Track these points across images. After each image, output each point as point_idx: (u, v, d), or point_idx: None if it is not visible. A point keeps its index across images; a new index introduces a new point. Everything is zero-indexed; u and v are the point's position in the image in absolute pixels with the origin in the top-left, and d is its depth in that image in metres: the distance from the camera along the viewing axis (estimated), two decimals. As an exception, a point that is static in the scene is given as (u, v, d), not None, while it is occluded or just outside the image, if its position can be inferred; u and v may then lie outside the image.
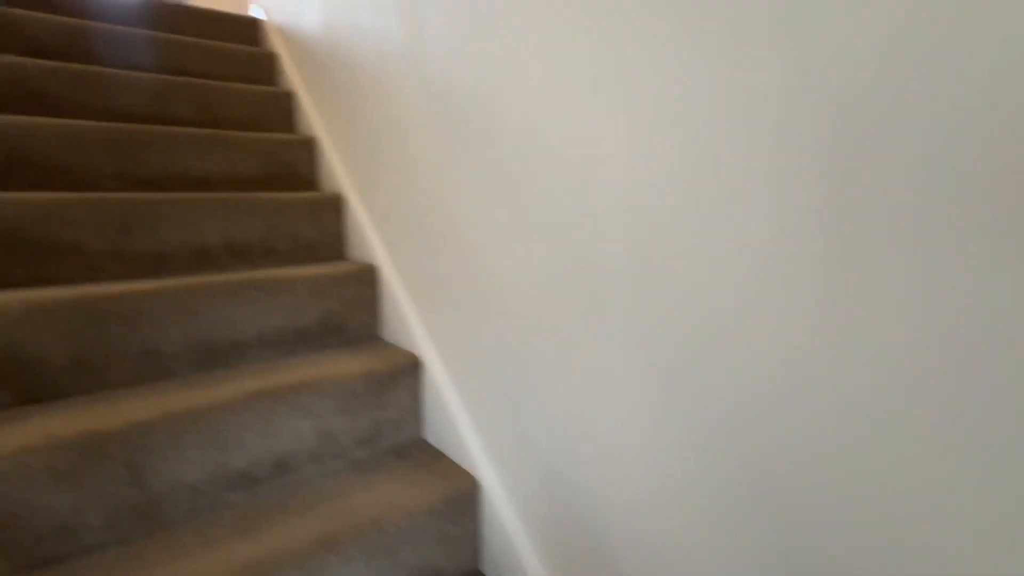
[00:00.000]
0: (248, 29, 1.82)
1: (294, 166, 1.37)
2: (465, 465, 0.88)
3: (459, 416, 0.90)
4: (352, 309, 1.09)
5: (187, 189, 1.22)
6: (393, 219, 1.07)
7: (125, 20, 1.60)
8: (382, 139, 1.09)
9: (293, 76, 1.59)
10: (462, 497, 0.84)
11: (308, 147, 1.39)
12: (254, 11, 1.94)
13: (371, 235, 1.16)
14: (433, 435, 0.98)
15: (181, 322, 0.90)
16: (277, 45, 1.72)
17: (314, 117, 1.45)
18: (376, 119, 1.10)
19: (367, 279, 1.11)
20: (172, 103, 1.35)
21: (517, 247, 0.73)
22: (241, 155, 1.28)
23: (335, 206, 1.25)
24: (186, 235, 1.06)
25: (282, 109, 1.52)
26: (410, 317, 1.03)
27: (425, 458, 0.93)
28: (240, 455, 0.81)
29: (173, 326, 0.89)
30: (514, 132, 0.71)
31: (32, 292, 0.81)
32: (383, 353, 1.02)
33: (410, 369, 0.98)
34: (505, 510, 0.81)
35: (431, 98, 0.89)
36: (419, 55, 0.92)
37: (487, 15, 0.73)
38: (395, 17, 0.97)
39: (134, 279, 1.01)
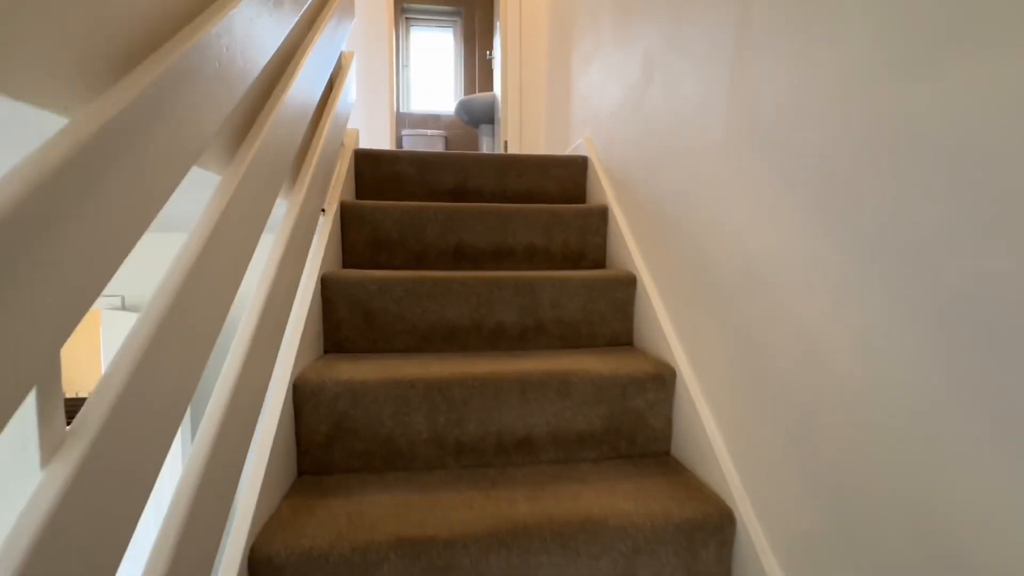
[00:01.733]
0: (576, 172, 1.54)
1: (642, 416, 0.93)
2: None
3: None
4: None
5: (505, 457, 0.90)
6: None
7: (454, 187, 1.48)
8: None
9: (630, 244, 1.20)
10: None
11: (663, 384, 0.94)
12: (576, 142, 1.67)
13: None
14: None
15: None
16: (607, 194, 1.37)
17: (665, 320, 1.01)
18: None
19: None
20: (496, 307, 1.09)
21: None
22: (573, 404, 0.91)
23: (721, 535, 0.75)
24: (510, 586, 0.70)
25: (618, 303, 1.14)
26: None
27: None
28: None
29: None
30: None
31: None
32: None
33: None
34: None
35: None
36: None
37: None
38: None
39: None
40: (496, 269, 1.29)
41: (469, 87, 3.98)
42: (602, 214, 1.33)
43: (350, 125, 1.52)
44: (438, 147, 3.83)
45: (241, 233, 0.68)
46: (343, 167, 1.37)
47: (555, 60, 2.06)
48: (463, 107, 3.13)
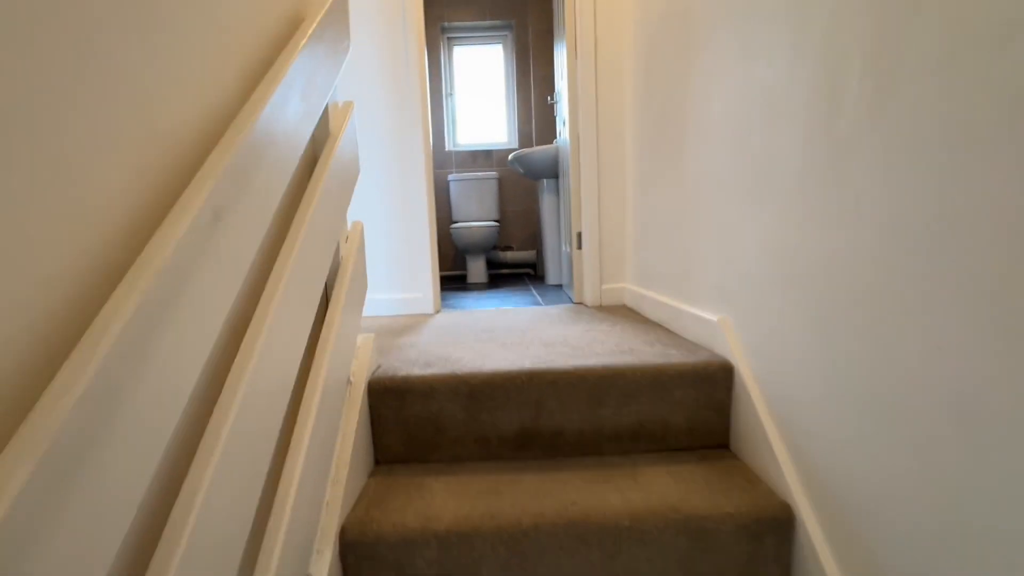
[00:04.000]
0: (715, 392, 0.96)
1: None
2: None
3: None
4: None
5: None
6: None
7: (520, 431, 0.95)
8: None
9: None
10: None
11: None
12: (706, 315, 1.08)
13: None
14: None
15: None
16: (784, 472, 0.79)
17: None
18: None
19: None
20: None
21: None
22: None
23: None
24: None
25: None
26: None
27: None
28: None
29: None
30: None
31: None
32: None
33: None
34: None
35: None
36: None
37: None
38: None
39: None
40: (599, 623, 0.77)
41: (523, 112, 3.36)
42: (782, 534, 0.76)
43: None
44: (490, 192, 3.27)
45: None
46: (350, 423, 0.88)
47: (651, 157, 1.45)
48: (518, 161, 2.55)
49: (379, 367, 1.03)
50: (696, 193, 1.15)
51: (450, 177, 3.29)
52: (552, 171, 2.50)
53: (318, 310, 0.84)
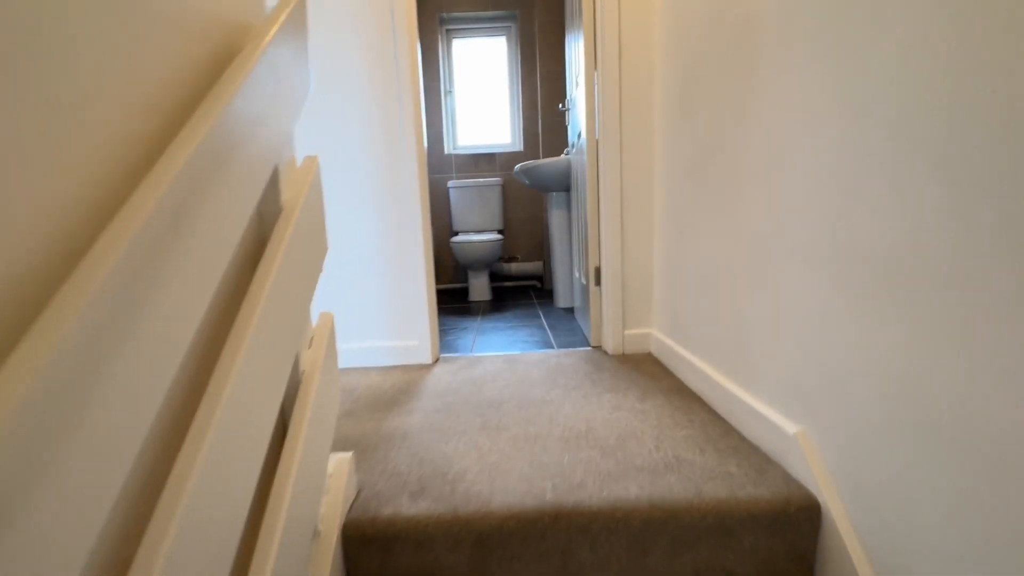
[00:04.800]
0: (794, 540, 0.74)
1: None
2: None
3: None
4: None
5: None
6: None
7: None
8: None
9: None
10: None
11: None
12: (782, 425, 0.85)
13: None
14: None
15: None
16: None
17: None
18: None
19: None
20: None
21: None
22: None
23: None
24: None
25: None
26: None
27: None
28: None
29: None
30: None
31: None
32: None
33: None
34: None
35: None
36: None
37: None
38: None
39: None
40: None
41: (529, 111, 3.09)
42: None
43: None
44: (493, 199, 3.02)
45: None
46: (317, 595, 0.66)
47: (689, 193, 1.20)
48: (525, 173, 2.29)
49: (359, 492, 0.80)
50: (759, 255, 0.91)
51: (450, 184, 3.04)
52: (562, 184, 2.25)
53: (271, 444, 0.62)
